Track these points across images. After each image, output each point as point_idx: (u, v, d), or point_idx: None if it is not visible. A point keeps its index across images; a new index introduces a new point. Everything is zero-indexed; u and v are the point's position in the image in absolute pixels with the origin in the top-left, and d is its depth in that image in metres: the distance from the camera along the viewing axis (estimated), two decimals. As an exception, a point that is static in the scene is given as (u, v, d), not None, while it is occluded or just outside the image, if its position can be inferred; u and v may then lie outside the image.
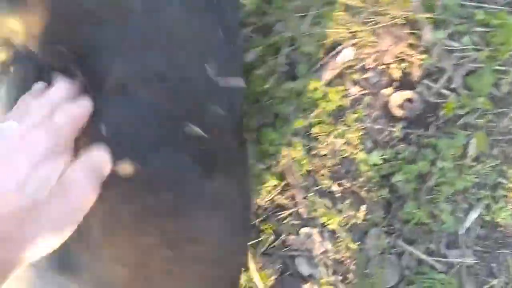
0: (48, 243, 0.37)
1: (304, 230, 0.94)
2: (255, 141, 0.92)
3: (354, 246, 0.92)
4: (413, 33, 0.94)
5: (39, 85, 0.44)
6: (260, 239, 0.94)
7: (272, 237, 0.94)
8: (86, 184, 0.39)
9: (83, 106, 0.42)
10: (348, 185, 0.94)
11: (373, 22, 0.94)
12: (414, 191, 0.93)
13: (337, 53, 0.93)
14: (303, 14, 0.94)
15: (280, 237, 0.94)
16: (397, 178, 0.93)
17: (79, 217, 0.39)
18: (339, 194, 0.94)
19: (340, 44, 0.94)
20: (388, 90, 0.95)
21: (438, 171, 0.92)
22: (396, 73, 0.95)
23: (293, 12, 0.95)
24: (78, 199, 0.39)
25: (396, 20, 0.94)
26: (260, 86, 0.92)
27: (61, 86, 0.43)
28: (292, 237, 0.94)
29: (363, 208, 0.93)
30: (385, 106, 0.95)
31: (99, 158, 0.41)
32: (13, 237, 0.35)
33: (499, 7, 0.96)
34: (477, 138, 0.92)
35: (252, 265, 0.92)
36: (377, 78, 0.95)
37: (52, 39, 0.45)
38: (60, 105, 0.41)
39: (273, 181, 0.93)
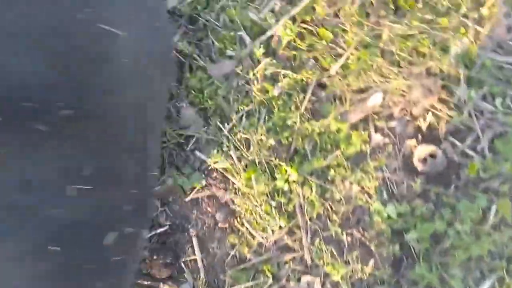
0: None
1: (305, 278, 0.88)
2: (268, 176, 0.87)
3: (356, 303, 0.86)
4: (446, 88, 0.91)
5: None
6: (257, 281, 0.88)
7: (270, 281, 0.88)
8: None
9: None
10: (358, 235, 0.89)
11: (407, 71, 0.91)
12: (426, 251, 0.88)
13: (367, 97, 0.90)
14: (336, 54, 0.92)
15: (280, 283, 0.88)
16: (410, 236, 0.88)
17: None
18: (348, 244, 0.89)
19: (370, 89, 0.90)
20: (412, 142, 0.91)
21: (454, 234, 0.87)
22: (422, 126, 0.91)
23: (326, 51, 0.92)
24: None
25: (431, 72, 0.91)
26: (282, 121, 0.88)
27: None
28: (292, 283, 0.88)
29: (371, 262, 0.88)
30: (407, 158, 0.91)
31: None
32: None
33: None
34: (499, 205, 0.88)
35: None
36: (402, 128, 0.91)
37: None
38: None
39: (281, 221, 0.87)
